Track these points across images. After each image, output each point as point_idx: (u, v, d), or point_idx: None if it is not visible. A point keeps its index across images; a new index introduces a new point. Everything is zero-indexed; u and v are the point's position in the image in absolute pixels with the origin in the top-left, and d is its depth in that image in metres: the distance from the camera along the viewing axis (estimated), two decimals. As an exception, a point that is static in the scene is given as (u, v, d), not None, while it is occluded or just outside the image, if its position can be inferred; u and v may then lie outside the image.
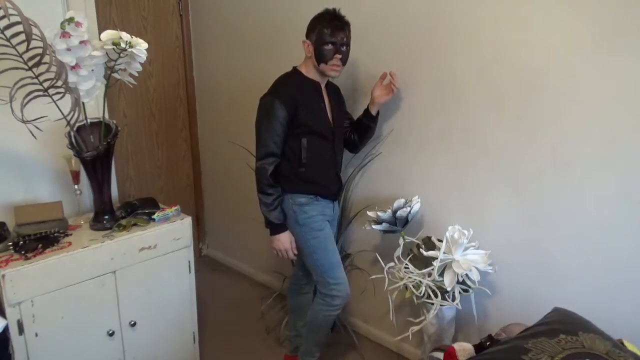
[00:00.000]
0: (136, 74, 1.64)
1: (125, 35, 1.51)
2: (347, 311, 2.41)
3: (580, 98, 1.51)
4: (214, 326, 2.46)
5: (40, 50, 1.34)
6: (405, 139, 2.00)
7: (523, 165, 1.67)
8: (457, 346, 1.33)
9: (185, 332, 1.98)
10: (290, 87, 1.73)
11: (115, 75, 1.63)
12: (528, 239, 1.71)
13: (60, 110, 1.52)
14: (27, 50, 1.34)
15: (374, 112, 1.92)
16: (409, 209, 1.84)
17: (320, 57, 1.70)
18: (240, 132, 2.73)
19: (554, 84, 1.55)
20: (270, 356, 2.23)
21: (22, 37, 1.30)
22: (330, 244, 1.83)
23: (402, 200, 1.87)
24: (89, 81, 1.54)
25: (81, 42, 1.46)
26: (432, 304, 1.72)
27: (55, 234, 1.63)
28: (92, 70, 1.54)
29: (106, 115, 1.70)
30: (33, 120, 1.46)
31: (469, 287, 1.73)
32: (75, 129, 1.62)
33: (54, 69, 1.41)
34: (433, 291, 1.72)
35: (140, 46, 1.54)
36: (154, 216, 1.83)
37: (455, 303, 1.71)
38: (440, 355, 1.39)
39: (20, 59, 1.39)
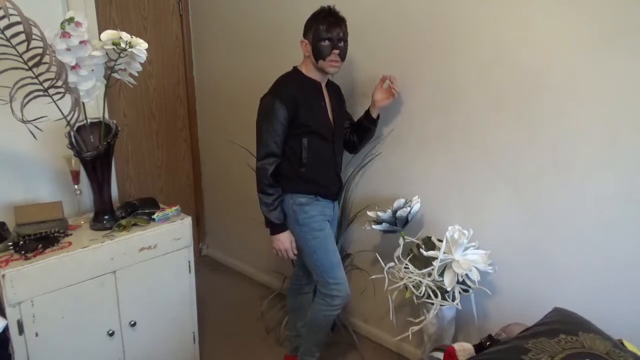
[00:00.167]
0: (136, 74, 1.64)
1: (125, 35, 1.51)
2: (347, 311, 2.41)
3: (580, 98, 1.51)
4: (214, 326, 2.46)
5: (40, 50, 1.34)
6: (405, 139, 2.00)
7: (523, 165, 1.67)
8: (457, 346, 1.33)
9: (185, 332, 1.98)
10: (291, 87, 1.73)
11: (115, 75, 1.63)
12: (528, 239, 1.71)
13: (60, 110, 1.52)
14: (27, 50, 1.34)
15: (374, 115, 1.92)
16: (409, 209, 1.85)
17: (318, 54, 1.70)
18: (241, 132, 2.73)
19: (554, 84, 1.55)
20: (270, 356, 2.23)
21: (22, 37, 1.30)
22: (330, 244, 1.83)
23: (402, 200, 1.87)
24: (89, 81, 1.54)
25: (81, 42, 1.46)
26: (432, 304, 1.72)
27: (55, 234, 1.63)
28: (92, 70, 1.54)
29: (106, 115, 1.70)
30: (33, 120, 1.46)
31: (469, 287, 1.73)
32: (75, 129, 1.62)
33: (54, 69, 1.41)
34: (433, 291, 1.72)
35: (140, 46, 1.54)
36: (154, 216, 1.83)
37: (455, 303, 1.71)
38: (440, 355, 1.39)
39: (20, 59, 1.39)
